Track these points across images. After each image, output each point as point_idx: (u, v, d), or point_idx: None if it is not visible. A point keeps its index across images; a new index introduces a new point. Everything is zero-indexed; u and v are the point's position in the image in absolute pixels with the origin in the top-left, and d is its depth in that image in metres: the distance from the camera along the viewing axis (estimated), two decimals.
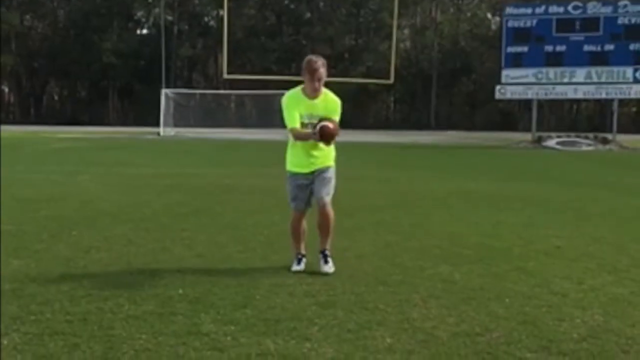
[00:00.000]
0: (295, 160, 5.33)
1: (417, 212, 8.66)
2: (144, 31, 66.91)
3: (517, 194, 11.07)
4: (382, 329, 3.84)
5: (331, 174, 5.33)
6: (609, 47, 30.91)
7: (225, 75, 37.97)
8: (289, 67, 51.62)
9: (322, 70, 5.09)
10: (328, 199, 5.29)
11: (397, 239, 6.67)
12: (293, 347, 3.53)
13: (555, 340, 3.70)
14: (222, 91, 51.03)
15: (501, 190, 11.54)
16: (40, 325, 3.82)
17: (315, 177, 5.28)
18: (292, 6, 64.42)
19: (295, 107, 5.21)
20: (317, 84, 5.11)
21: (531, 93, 32.66)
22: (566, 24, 31.37)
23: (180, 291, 4.57)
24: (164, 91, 40.61)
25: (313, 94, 5.17)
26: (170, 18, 62.20)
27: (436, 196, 10.52)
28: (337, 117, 5.21)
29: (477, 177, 14.34)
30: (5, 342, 3.54)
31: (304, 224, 5.41)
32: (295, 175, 5.33)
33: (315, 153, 5.28)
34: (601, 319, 4.10)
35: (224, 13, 36.70)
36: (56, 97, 70.71)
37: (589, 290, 4.75)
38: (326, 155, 5.33)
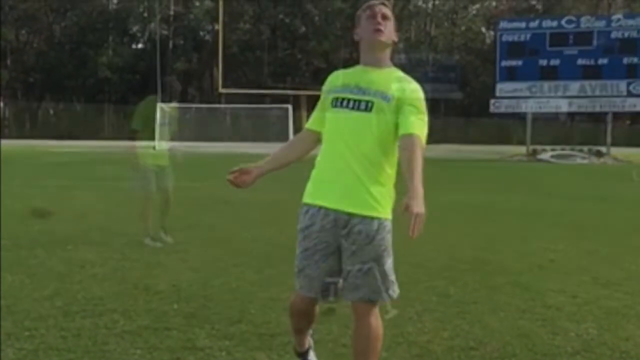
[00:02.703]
0: (318, 179, 2.87)
1: None
2: (140, 46, 67.11)
3: (511, 207, 11.10)
4: None
5: (381, 233, 2.91)
6: (603, 60, 31.12)
7: (221, 89, 38.01)
8: (284, 81, 51.77)
9: (386, 11, 2.89)
10: (374, 302, 2.83)
11: None
12: None
13: (550, 354, 3.70)
14: (217, 105, 51.13)
15: (496, 204, 11.56)
16: (34, 341, 3.81)
17: (346, 232, 2.83)
18: (287, 20, 64.64)
19: (333, 85, 2.90)
20: (378, 19, 2.83)
21: (525, 106, 32.82)
22: (560, 38, 31.60)
23: (175, 306, 4.56)
24: (159, 105, 40.64)
25: (376, 37, 2.84)
26: (165, 33, 62.38)
27: (431, 209, 10.49)
28: (419, 117, 2.93)
29: (471, 190, 14.37)
30: None
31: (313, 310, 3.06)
32: (307, 210, 2.86)
33: (357, 171, 2.80)
34: (595, 332, 4.11)
35: (219, 28, 36.84)
36: (51, 112, 70.54)
37: (583, 304, 4.76)
38: (383, 191, 2.94)
